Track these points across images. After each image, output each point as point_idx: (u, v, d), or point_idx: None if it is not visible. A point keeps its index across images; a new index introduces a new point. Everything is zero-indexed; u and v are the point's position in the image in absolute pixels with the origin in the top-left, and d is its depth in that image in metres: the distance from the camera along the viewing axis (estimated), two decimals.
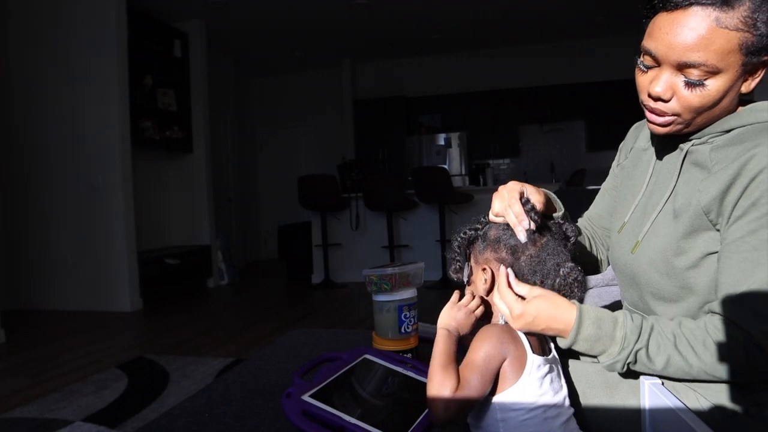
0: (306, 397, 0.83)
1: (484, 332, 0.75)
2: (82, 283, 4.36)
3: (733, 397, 0.76)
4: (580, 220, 1.14)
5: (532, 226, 0.79)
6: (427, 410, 0.86)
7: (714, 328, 0.72)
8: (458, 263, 0.88)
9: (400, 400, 0.91)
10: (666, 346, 0.72)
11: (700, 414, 0.75)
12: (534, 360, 0.73)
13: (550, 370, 0.75)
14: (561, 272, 0.78)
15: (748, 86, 0.76)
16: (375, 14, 5.54)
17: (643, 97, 0.81)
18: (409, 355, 1.09)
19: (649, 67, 0.79)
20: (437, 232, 4.85)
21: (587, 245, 1.07)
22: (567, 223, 0.85)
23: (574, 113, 6.64)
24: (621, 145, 1.07)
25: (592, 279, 2.03)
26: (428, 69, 7.18)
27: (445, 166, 6.43)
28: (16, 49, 4.46)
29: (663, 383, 0.74)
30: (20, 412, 2.14)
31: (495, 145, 6.88)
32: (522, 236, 0.79)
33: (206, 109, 5.52)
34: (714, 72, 0.72)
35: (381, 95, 7.17)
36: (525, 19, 5.93)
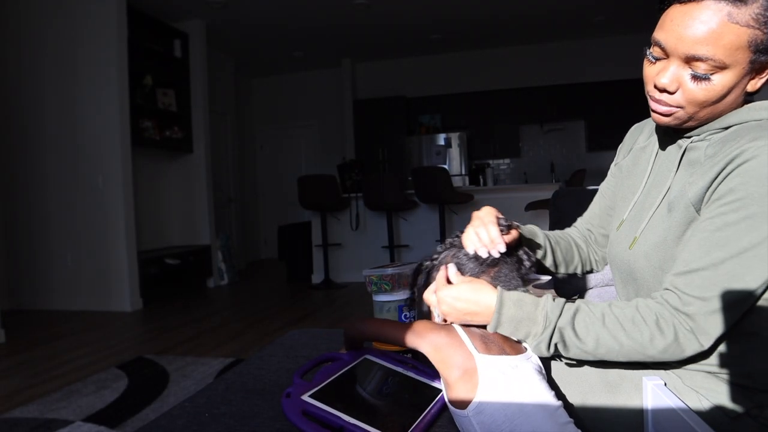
0: (306, 397, 0.83)
1: (423, 324, 0.79)
2: (82, 283, 4.36)
3: (735, 398, 0.76)
4: (578, 220, 1.15)
5: (502, 250, 0.81)
6: (427, 410, 0.86)
7: (645, 307, 0.73)
8: (412, 303, 0.96)
9: (401, 401, 0.91)
10: (594, 324, 0.73)
11: (701, 415, 0.75)
12: (484, 358, 0.74)
13: (524, 368, 0.75)
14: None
15: (754, 85, 0.76)
16: (375, 14, 5.54)
17: (649, 88, 0.81)
18: (409, 356, 1.09)
19: (657, 59, 0.79)
20: (437, 232, 4.85)
21: (575, 247, 1.08)
22: (522, 248, 0.88)
23: (574, 113, 6.63)
24: (620, 146, 1.08)
25: (592, 279, 2.03)
26: (428, 69, 7.18)
27: (445, 166, 6.42)
28: (16, 49, 4.46)
29: (665, 384, 0.74)
30: (20, 412, 2.14)
31: (495, 145, 6.88)
32: (494, 252, 0.81)
33: (206, 109, 5.52)
34: (721, 67, 0.72)
35: (381, 95, 7.17)
36: (525, 19, 5.93)
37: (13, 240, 4.54)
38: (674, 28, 0.74)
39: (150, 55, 4.96)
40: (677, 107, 0.78)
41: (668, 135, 0.88)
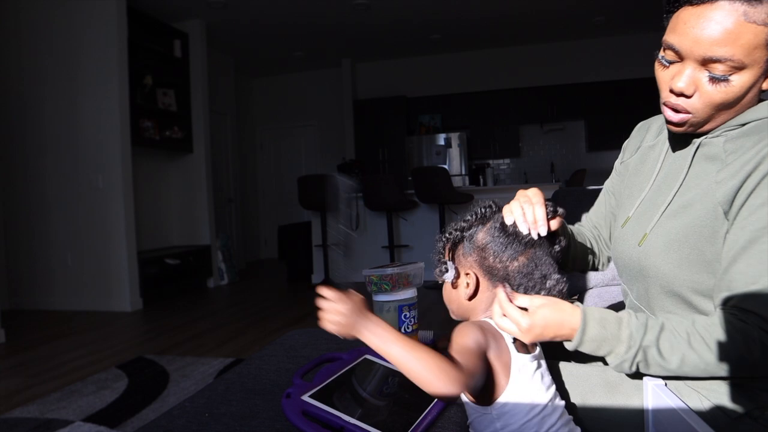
0: (306, 398, 0.83)
1: (463, 325, 0.74)
2: (82, 283, 4.36)
3: (736, 399, 0.75)
4: (583, 218, 1.14)
5: (543, 233, 0.78)
6: (426, 410, 0.85)
7: (730, 326, 0.70)
8: (443, 265, 0.84)
9: (401, 401, 0.91)
10: (680, 344, 0.71)
11: (702, 415, 0.75)
12: (519, 358, 0.73)
13: (538, 366, 0.75)
14: (547, 284, 0.77)
15: None
16: (375, 14, 5.54)
17: (664, 93, 0.80)
18: None
19: (671, 62, 0.77)
20: (437, 232, 4.84)
21: (588, 244, 1.07)
22: (556, 233, 0.85)
23: (574, 113, 6.63)
24: (625, 143, 1.06)
25: (592, 279, 2.03)
26: (428, 69, 7.17)
27: (445, 166, 6.42)
28: (16, 49, 4.46)
29: (666, 384, 0.74)
30: (20, 412, 2.14)
31: (495, 145, 6.88)
32: (534, 233, 0.77)
33: (206, 109, 5.51)
34: (739, 67, 0.71)
35: (381, 95, 7.17)
36: (525, 19, 5.93)
37: (13, 240, 4.54)
38: (689, 31, 0.72)
39: (150, 55, 4.96)
40: (691, 113, 0.77)
41: (681, 133, 0.87)
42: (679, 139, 0.87)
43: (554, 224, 0.81)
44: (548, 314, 0.73)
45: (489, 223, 0.81)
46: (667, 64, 0.78)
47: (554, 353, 0.88)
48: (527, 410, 0.70)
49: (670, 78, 0.77)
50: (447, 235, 0.85)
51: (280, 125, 7.81)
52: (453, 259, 0.84)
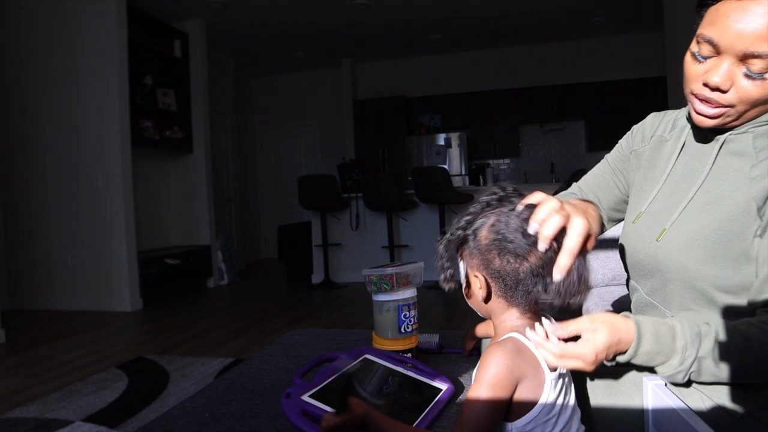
0: (305, 397, 0.83)
1: (492, 353, 0.66)
2: (82, 283, 4.36)
3: (738, 399, 0.75)
4: (577, 185, 1.10)
5: (557, 278, 0.67)
6: (426, 410, 0.85)
7: None
8: (449, 271, 0.75)
9: (401, 400, 0.91)
10: (737, 352, 0.68)
11: (703, 415, 0.74)
12: (551, 378, 0.67)
13: (562, 375, 0.71)
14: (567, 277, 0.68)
15: None
16: (375, 14, 5.54)
17: (695, 87, 0.77)
18: (409, 355, 1.09)
19: (706, 57, 0.75)
20: (437, 232, 4.84)
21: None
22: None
23: (574, 113, 6.63)
24: (636, 126, 1.02)
25: (592, 279, 2.03)
26: (428, 69, 7.18)
27: (445, 166, 6.42)
28: (16, 50, 4.46)
29: (666, 384, 0.74)
30: (20, 412, 2.14)
31: (495, 145, 6.88)
32: (557, 276, 0.66)
33: (206, 109, 5.51)
34: None
35: (381, 95, 7.17)
36: (525, 19, 5.93)
37: (13, 240, 4.54)
38: (731, 25, 0.70)
39: (150, 55, 4.96)
40: (727, 107, 0.74)
41: (701, 130, 0.85)
42: (699, 135, 0.85)
43: (588, 247, 0.71)
44: (605, 338, 0.67)
45: (493, 217, 0.70)
46: (703, 60, 0.75)
47: None
48: (550, 428, 0.68)
49: (704, 72, 0.75)
50: (449, 236, 0.75)
51: (280, 125, 7.81)
52: (461, 259, 0.75)
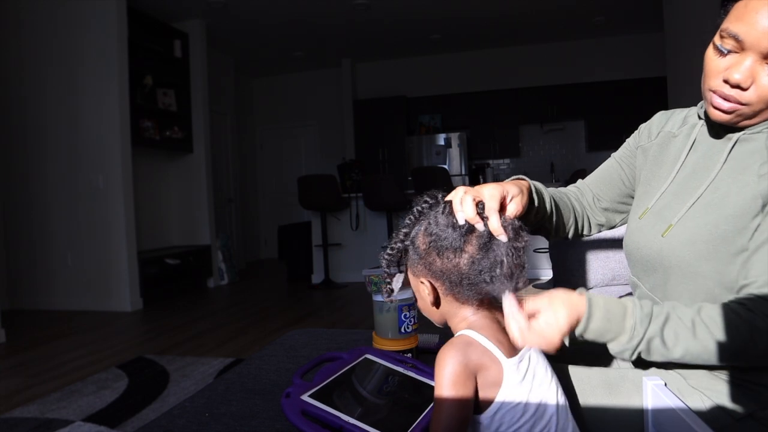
0: (305, 397, 0.83)
1: (443, 354, 0.67)
2: (82, 283, 4.36)
3: (739, 399, 0.75)
4: (579, 182, 1.11)
5: (480, 228, 0.69)
6: (427, 410, 0.86)
7: (735, 315, 0.69)
8: (388, 285, 0.78)
9: (401, 400, 0.91)
10: (684, 334, 0.70)
11: (703, 415, 0.74)
12: (509, 364, 0.68)
13: (528, 363, 0.71)
14: (498, 271, 0.69)
15: None
16: (375, 14, 5.54)
17: (714, 82, 0.77)
18: (410, 355, 1.09)
19: (729, 52, 0.74)
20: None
21: (578, 207, 1.04)
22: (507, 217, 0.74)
23: (574, 113, 6.64)
24: (643, 125, 1.02)
25: (592, 279, 2.03)
26: (428, 69, 7.18)
27: (445, 166, 6.42)
28: (16, 49, 4.46)
29: (666, 384, 0.74)
30: (20, 412, 2.14)
31: (495, 145, 6.88)
32: (502, 238, 0.68)
33: (206, 109, 5.51)
34: None
35: (381, 95, 7.17)
36: (525, 19, 5.93)
37: (14, 240, 4.54)
38: (759, 21, 0.69)
39: (150, 55, 4.96)
40: (745, 104, 0.74)
41: (713, 128, 0.85)
42: (711, 133, 0.85)
43: (512, 208, 0.74)
44: (568, 316, 0.69)
45: (425, 223, 0.72)
46: (725, 52, 0.75)
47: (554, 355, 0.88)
48: (519, 414, 0.69)
49: (725, 68, 0.75)
50: (389, 250, 0.76)
51: (280, 125, 7.81)
52: (404, 270, 0.76)
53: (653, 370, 0.85)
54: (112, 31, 4.27)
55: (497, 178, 7.01)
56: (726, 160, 0.79)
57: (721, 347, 0.70)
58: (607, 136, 6.44)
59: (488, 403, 0.68)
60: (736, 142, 0.79)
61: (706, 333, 0.70)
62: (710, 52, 0.77)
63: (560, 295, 0.71)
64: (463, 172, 6.68)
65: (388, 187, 4.72)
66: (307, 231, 5.40)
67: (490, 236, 0.69)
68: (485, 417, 0.68)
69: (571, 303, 0.70)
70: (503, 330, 0.71)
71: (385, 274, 0.78)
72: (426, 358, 1.14)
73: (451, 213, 0.70)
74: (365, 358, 1.01)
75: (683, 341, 0.70)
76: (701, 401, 0.77)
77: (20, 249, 4.52)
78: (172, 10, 5.12)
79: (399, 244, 0.75)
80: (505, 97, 6.78)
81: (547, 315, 0.69)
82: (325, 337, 1.41)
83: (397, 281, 0.77)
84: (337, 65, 7.26)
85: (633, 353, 0.72)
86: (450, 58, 7.12)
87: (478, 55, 7.05)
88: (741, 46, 0.72)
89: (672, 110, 1.00)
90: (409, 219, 0.75)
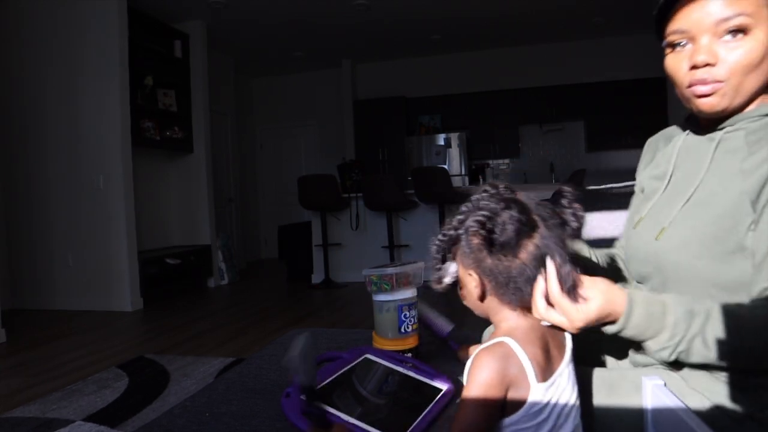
0: (305, 397, 0.83)
1: (482, 358, 0.66)
2: (83, 283, 4.36)
3: (738, 400, 0.75)
4: (615, 244, 1.10)
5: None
6: (426, 410, 0.86)
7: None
8: (439, 272, 0.76)
9: (401, 400, 0.91)
10: (728, 333, 0.68)
11: (703, 416, 0.75)
12: (538, 389, 0.67)
13: (559, 386, 0.70)
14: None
15: None
16: (375, 14, 5.54)
17: (686, 77, 0.79)
18: (410, 355, 1.09)
19: (685, 43, 0.79)
20: (437, 232, 4.84)
21: (621, 263, 1.04)
22: (569, 205, 0.72)
23: (574, 113, 6.64)
24: (638, 167, 1.05)
25: None
26: (428, 69, 7.18)
27: (445, 166, 6.42)
28: (17, 49, 4.46)
29: (665, 384, 0.74)
30: (21, 412, 2.14)
31: (495, 145, 6.88)
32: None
33: (206, 109, 5.52)
34: (751, 25, 0.74)
35: (381, 95, 7.17)
36: (525, 20, 5.93)
37: (14, 240, 4.54)
38: (694, 9, 0.75)
39: (151, 55, 4.96)
40: (721, 81, 0.76)
41: (697, 132, 0.87)
42: (695, 140, 0.87)
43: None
44: (599, 308, 0.68)
45: (483, 215, 0.69)
46: (683, 44, 0.79)
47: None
48: (538, 423, 0.68)
49: (687, 58, 0.78)
50: (441, 236, 0.75)
51: (280, 125, 7.81)
52: (454, 260, 0.75)
53: (653, 369, 0.85)
54: (113, 31, 4.27)
55: (497, 178, 6.98)
56: (711, 160, 0.81)
57: (764, 346, 0.68)
58: (607, 137, 6.44)
59: (508, 414, 0.67)
60: (719, 143, 0.81)
61: (750, 332, 0.69)
62: (668, 59, 0.82)
63: (601, 284, 0.70)
64: (463, 172, 6.68)
65: (388, 187, 4.72)
66: (307, 231, 5.40)
67: (545, 251, 0.67)
68: (504, 424, 0.68)
69: (609, 295, 0.69)
70: (540, 339, 0.70)
71: (435, 261, 0.76)
72: (426, 358, 1.14)
73: (517, 218, 0.66)
74: (365, 357, 1.01)
75: (726, 341, 0.68)
76: (700, 401, 0.77)
77: (21, 249, 4.52)
78: (172, 10, 5.12)
79: (452, 232, 0.73)
80: (504, 98, 6.78)
81: (580, 301, 0.67)
82: (325, 337, 1.41)
83: (449, 270, 0.75)
84: (337, 65, 7.26)
85: (672, 352, 0.70)
86: (450, 58, 7.12)
87: (477, 56, 7.05)
88: (690, 36, 0.77)
89: (656, 135, 1.03)
90: (466, 206, 0.73)
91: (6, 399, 2.33)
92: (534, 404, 0.67)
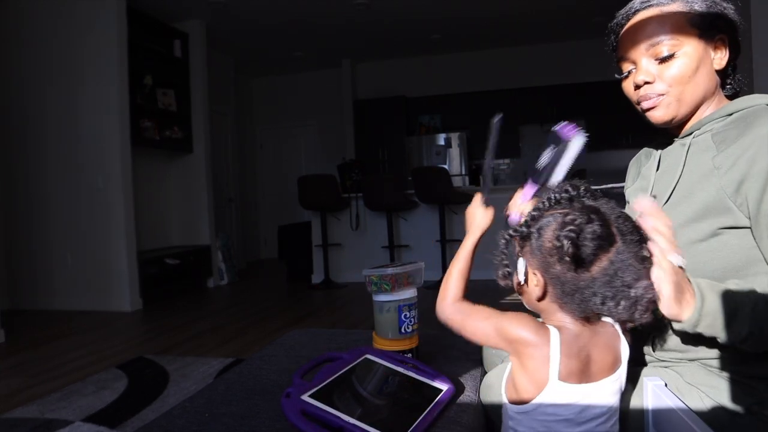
0: (305, 397, 0.83)
1: (527, 316, 0.70)
2: (82, 283, 4.36)
3: (736, 395, 0.76)
4: None
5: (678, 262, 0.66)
6: (427, 410, 0.86)
7: None
8: (505, 268, 0.75)
9: (401, 400, 0.91)
10: (746, 315, 0.69)
11: (702, 413, 0.75)
12: (557, 385, 0.66)
13: (591, 398, 0.68)
14: (631, 293, 0.65)
15: (719, 62, 0.86)
16: (375, 14, 5.54)
17: (633, 96, 0.91)
18: (410, 355, 1.09)
19: (630, 72, 0.90)
20: (437, 232, 4.85)
21: None
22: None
23: (574, 113, 6.62)
24: (625, 184, 1.10)
25: None
26: (428, 69, 7.17)
27: (445, 166, 6.42)
28: (16, 49, 4.46)
29: (665, 384, 0.74)
30: (20, 412, 2.14)
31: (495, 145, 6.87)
32: (678, 260, 0.66)
33: (206, 109, 5.51)
34: (678, 44, 0.83)
35: (381, 95, 7.17)
36: (525, 19, 5.93)
37: (14, 240, 4.54)
38: (629, 37, 0.88)
39: (150, 55, 4.96)
40: (662, 94, 0.86)
41: (671, 141, 0.94)
42: (671, 149, 0.93)
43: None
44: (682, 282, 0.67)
45: (561, 220, 0.67)
46: (628, 72, 0.90)
47: None
48: (555, 421, 0.68)
49: (633, 80, 0.89)
50: (512, 231, 0.73)
51: (280, 125, 7.81)
52: (521, 255, 0.73)
53: (652, 369, 0.86)
54: (112, 31, 4.27)
55: (497, 179, 7.01)
56: (685, 163, 0.87)
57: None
58: (607, 136, 6.44)
59: (527, 400, 0.69)
60: (690, 146, 0.87)
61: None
62: (623, 85, 0.93)
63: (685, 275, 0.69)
64: (463, 172, 6.68)
65: (388, 187, 4.72)
66: (307, 231, 5.40)
67: (618, 267, 0.65)
68: (516, 410, 0.71)
69: (685, 284, 0.68)
70: (583, 349, 0.69)
71: (502, 255, 0.75)
72: (426, 358, 1.13)
73: (598, 233, 0.64)
74: (365, 358, 1.01)
75: (746, 323, 0.69)
76: (699, 399, 0.77)
77: (20, 249, 4.52)
78: (172, 10, 5.12)
79: (524, 228, 0.71)
80: (505, 97, 6.77)
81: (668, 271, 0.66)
82: (325, 337, 1.41)
83: (519, 269, 0.72)
84: (337, 65, 7.26)
85: (696, 324, 0.69)
86: (450, 58, 7.12)
87: (478, 55, 7.04)
88: (631, 59, 0.89)
89: (638, 153, 1.12)
90: (542, 204, 0.71)
91: (5, 399, 2.33)
92: (552, 395, 0.67)
